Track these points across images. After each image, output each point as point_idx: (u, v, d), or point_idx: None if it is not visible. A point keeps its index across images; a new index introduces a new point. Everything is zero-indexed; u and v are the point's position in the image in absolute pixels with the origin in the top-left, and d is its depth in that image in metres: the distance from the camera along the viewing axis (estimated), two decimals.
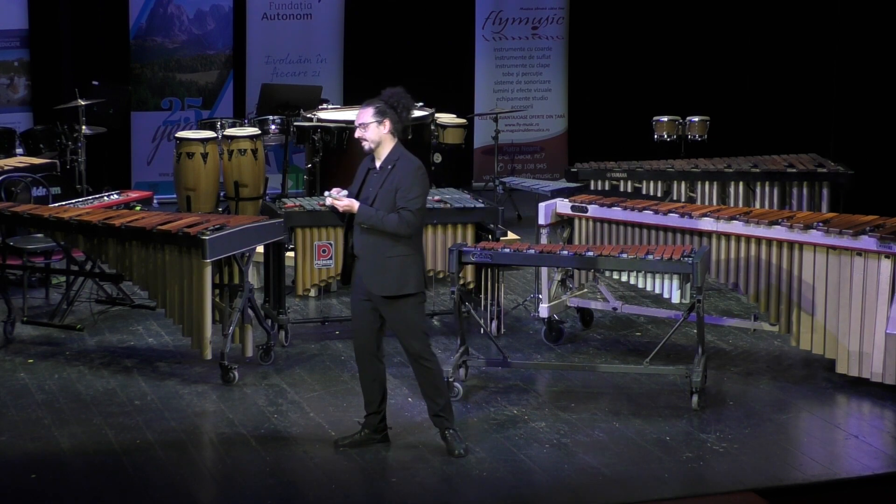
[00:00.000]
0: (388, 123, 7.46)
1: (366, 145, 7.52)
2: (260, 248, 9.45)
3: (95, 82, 13.14)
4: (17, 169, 11.18)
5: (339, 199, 7.51)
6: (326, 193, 7.61)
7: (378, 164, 7.53)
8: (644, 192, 11.36)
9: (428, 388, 7.68)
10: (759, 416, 8.33)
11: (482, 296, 9.43)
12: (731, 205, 11.13)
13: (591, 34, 15.09)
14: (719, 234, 9.19)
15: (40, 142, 12.55)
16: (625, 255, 8.54)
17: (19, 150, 12.44)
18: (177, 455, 7.70)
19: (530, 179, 13.94)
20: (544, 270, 9.57)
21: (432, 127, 12.18)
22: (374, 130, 7.47)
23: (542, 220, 9.72)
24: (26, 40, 13.60)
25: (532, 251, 8.74)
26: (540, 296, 9.68)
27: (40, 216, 9.29)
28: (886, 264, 8.54)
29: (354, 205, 7.46)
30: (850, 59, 13.99)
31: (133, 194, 10.68)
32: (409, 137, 11.74)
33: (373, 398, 7.78)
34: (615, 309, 9.88)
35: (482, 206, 9.91)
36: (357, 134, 7.53)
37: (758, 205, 11.19)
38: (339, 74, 14.50)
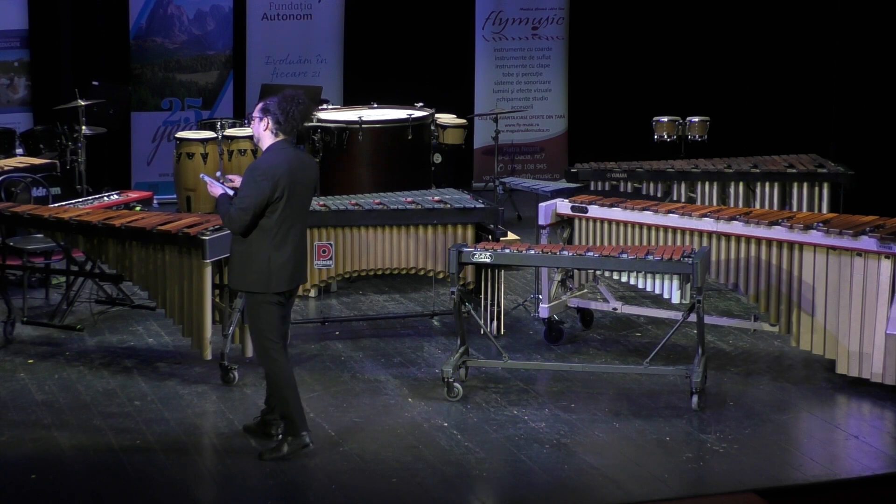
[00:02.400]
0: (267, 122, 7.57)
1: (254, 139, 7.76)
2: None
3: (95, 82, 13.15)
4: (17, 169, 11.18)
5: (212, 182, 7.74)
6: (205, 177, 7.97)
7: None
8: (644, 192, 11.36)
9: (269, 387, 7.77)
10: (759, 417, 8.33)
11: (482, 296, 9.44)
12: (731, 205, 11.12)
13: (591, 34, 15.09)
14: (719, 235, 9.19)
15: (40, 142, 12.56)
16: (625, 256, 8.54)
17: (19, 151, 12.44)
18: (177, 455, 7.70)
19: (530, 180, 13.92)
20: (544, 271, 9.57)
21: (432, 127, 12.18)
22: (256, 126, 7.64)
23: (542, 221, 9.72)
24: (26, 40, 13.61)
25: (532, 251, 8.74)
26: (540, 296, 9.69)
27: (40, 216, 9.29)
28: (886, 265, 8.54)
29: (215, 192, 7.71)
30: (850, 59, 13.99)
31: (133, 194, 10.67)
32: (410, 138, 11.76)
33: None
34: (615, 309, 9.87)
35: (482, 206, 9.91)
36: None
37: (758, 205, 11.19)
38: (339, 74, 14.51)
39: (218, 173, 7.97)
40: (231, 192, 7.66)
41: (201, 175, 8.22)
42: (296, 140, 11.84)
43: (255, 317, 7.65)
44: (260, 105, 7.62)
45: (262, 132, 7.60)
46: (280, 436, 7.75)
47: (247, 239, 7.53)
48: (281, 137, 7.58)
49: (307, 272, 8.07)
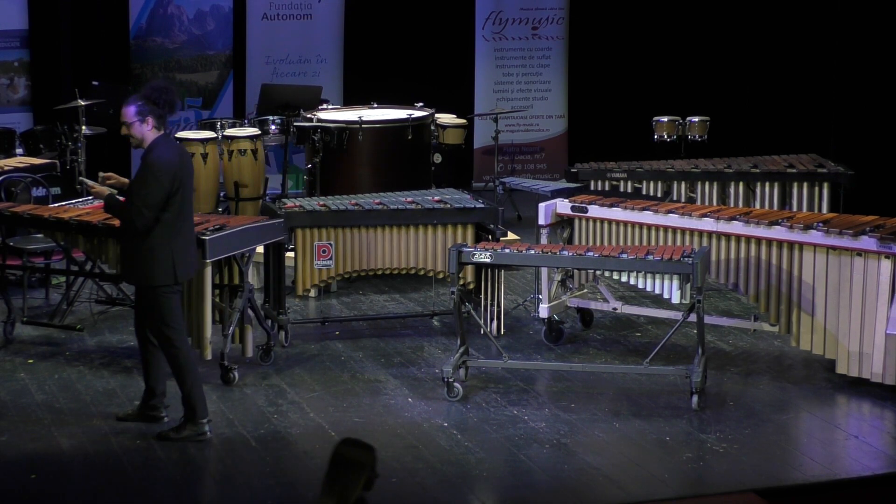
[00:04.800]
0: (150, 121, 7.72)
1: (132, 142, 7.80)
2: (260, 249, 9.45)
3: (95, 82, 13.14)
4: (17, 169, 11.18)
5: (93, 184, 7.89)
6: (85, 181, 8.16)
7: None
8: (644, 192, 11.36)
9: (175, 372, 7.89)
10: (759, 416, 8.33)
11: (482, 296, 9.44)
12: (731, 205, 11.12)
13: (591, 34, 15.09)
14: (719, 235, 9.19)
15: (40, 142, 12.55)
16: (625, 256, 8.54)
17: (19, 150, 12.43)
18: (177, 455, 7.70)
19: (530, 180, 13.94)
20: (544, 271, 9.57)
21: (432, 127, 12.18)
22: (138, 128, 7.74)
23: (542, 221, 9.72)
24: (26, 40, 13.60)
25: (532, 251, 8.74)
26: (540, 296, 9.68)
27: (40, 216, 9.29)
28: (886, 265, 8.54)
29: (103, 192, 7.88)
30: (850, 59, 13.99)
31: None
32: (410, 138, 11.76)
33: (152, 382, 8.09)
34: (615, 309, 9.87)
35: (482, 206, 9.91)
36: (122, 132, 7.81)
37: (758, 205, 11.19)
38: (339, 74, 14.50)
39: (107, 174, 8.07)
40: (115, 191, 7.83)
41: (81, 178, 8.35)
42: (296, 140, 11.95)
43: (160, 309, 7.80)
44: (133, 110, 7.70)
45: (147, 132, 7.73)
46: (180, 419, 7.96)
47: (150, 235, 7.67)
48: (161, 131, 7.77)
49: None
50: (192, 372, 7.86)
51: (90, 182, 7.95)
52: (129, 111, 7.71)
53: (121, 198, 7.93)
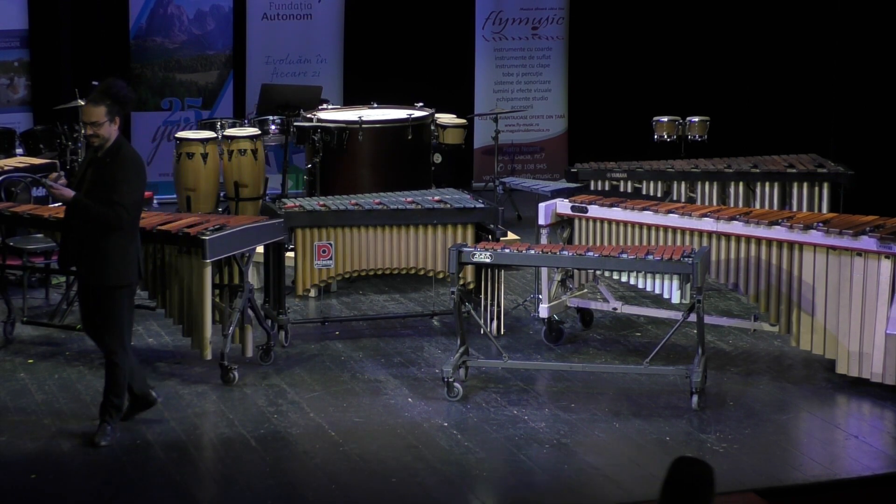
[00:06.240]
0: (117, 120, 7.68)
1: (96, 142, 7.69)
2: (260, 249, 9.46)
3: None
4: (17, 169, 11.17)
5: (56, 187, 7.73)
6: (43, 178, 8.06)
7: (100, 154, 7.71)
8: (644, 192, 11.36)
9: (110, 383, 7.83)
10: (759, 416, 8.33)
11: (482, 296, 9.44)
12: (731, 205, 11.12)
13: (591, 34, 15.09)
14: (719, 235, 9.20)
15: (40, 142, 12.55)
16: (625, 256, 8.54)
17: (19, 150, 12.44)
18: (177, 455, 7.70)
19: (530, 180, 13.93)
20: (544, 270, 9.57)
21: (432, 127, 12.18)
22: (107, 128, 7.66)
23: (542, 221, 9.72)
24: (26, 40, 13.61)
25: (532, 251, 8.74)
26: (540, 296, 9.68)
27: (40, 216, 9.29)
28: (886, 264, 8.54)
29: (68, 194, 7.68)
30: (850, 60, 13.99)
31: None
32: (410, 138, 11.76)
33: (137, 386, 8.08)
34: (615, 309, 9.87)
35: (482, 206, 9.91)
36: (88, 132, 7.71)
37: (758, 205, 11.19)
38: (339, 74, 14.51)
39: (54, 175, 7.99)
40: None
41: (43, 180, 8.23)
42: (296, 140, 11.95)
43: (125, 308, 7.74)
44: (103, 109, 7.60)
45: (114, 131, 7.68)
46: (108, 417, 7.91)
47: (116, 234, 7.62)
48: (120, 130, 7.76)
49: None
50: (123, 391, 7.86)
51: (51, 183, 7.81)
52: (100, 111, 7.60)
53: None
